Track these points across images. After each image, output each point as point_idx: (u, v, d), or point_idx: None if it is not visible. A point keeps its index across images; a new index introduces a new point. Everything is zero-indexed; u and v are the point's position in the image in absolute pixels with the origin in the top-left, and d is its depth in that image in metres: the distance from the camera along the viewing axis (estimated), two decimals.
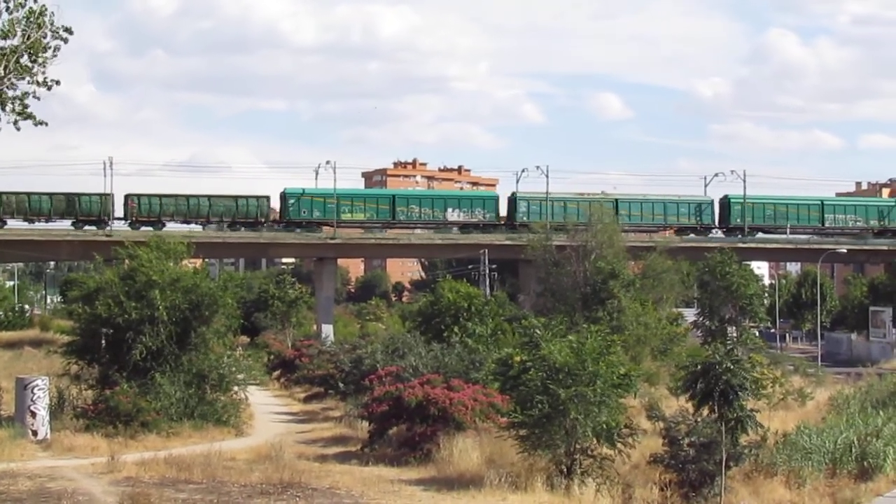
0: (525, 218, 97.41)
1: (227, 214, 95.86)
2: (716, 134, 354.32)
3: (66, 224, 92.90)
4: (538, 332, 31.89)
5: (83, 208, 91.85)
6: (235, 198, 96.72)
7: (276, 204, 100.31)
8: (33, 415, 38.01)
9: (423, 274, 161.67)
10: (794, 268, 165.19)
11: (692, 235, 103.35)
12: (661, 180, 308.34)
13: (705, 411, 31.35)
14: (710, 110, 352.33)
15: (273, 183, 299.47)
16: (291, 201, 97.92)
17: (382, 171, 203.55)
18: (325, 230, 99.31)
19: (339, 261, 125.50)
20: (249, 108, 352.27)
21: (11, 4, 24.10)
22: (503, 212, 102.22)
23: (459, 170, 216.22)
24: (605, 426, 30.29)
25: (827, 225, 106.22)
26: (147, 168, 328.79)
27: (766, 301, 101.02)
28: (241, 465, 32.22)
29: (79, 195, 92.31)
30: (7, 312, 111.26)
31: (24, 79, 24.37)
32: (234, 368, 44.34)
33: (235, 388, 44.27)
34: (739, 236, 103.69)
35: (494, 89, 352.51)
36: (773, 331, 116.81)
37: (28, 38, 23.92)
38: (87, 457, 33.86)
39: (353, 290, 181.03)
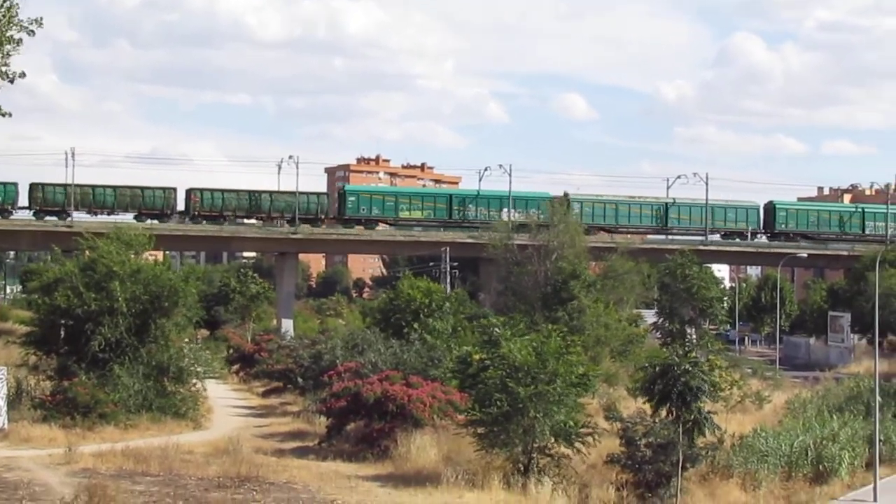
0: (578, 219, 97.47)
1: (288, 210, 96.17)
2: (680, 137, 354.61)
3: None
4: (497, 330, 32.00)
5: (147, 202, 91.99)
6: (296, 194, 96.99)
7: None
8: None
9: (384, 270, 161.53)
10: (754, 271, 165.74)
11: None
12: (625, 182, 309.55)
13: (663, 413, 31.49)
14: (675, 113, 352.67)
15: (234, 177, 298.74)
16: (351, 198, 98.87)
17: (346, 167, 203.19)
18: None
19: (301, 256, 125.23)
20: (213, 102, 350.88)
21: None
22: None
23: (423, 167, 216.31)
24: (563, 425, 30.42)
25: (867, 232, 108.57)
26: (109, 159, 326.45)
27: (725, 304, 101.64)
28: (199, 459, 32.20)
29: (143, 188, 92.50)
30: None
31: None
32: (193, 361, 44.26)
33: (194, 381, 44.20)
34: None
35: (459, 88, 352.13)
36: (730, 332, 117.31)
37: None
38: (45, 447, 33.78)
39: (313, 286, 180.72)
